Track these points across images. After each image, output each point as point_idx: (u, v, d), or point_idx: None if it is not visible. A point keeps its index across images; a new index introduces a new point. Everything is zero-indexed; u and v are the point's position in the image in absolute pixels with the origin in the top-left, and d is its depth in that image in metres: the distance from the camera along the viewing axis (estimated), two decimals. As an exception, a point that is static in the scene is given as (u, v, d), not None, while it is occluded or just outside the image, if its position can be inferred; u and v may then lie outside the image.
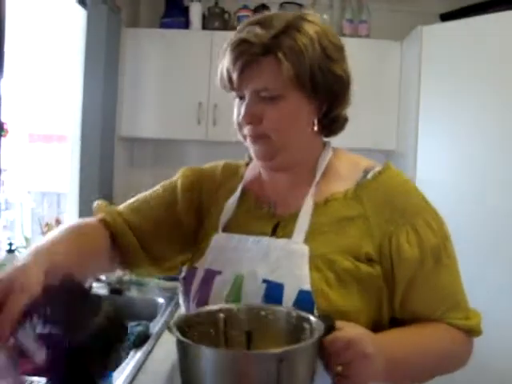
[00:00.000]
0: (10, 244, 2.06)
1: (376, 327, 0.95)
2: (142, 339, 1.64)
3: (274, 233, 1.03)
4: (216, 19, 3.40)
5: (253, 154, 1.05)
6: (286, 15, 1.00)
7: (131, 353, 1.55)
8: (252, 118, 0.98)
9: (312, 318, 0.85)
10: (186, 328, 0.83)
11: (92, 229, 1.08)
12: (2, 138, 2.17)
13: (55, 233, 0.99)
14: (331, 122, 1.05)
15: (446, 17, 3.11)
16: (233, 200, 1.11)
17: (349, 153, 1.12)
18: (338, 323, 0.84)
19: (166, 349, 1.64)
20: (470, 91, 2.75)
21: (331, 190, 1.03)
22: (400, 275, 0.97)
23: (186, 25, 3.37)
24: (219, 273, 1.03)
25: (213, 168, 1.21)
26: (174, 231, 1.15)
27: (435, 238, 0.98)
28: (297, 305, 0.92)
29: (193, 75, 3.26)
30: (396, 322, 1.01)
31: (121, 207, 1.16)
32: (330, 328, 0.82)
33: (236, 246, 1.05)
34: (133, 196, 1.21)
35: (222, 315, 0.90)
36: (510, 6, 2.68)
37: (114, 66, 3.16)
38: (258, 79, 0.97)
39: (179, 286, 1.11)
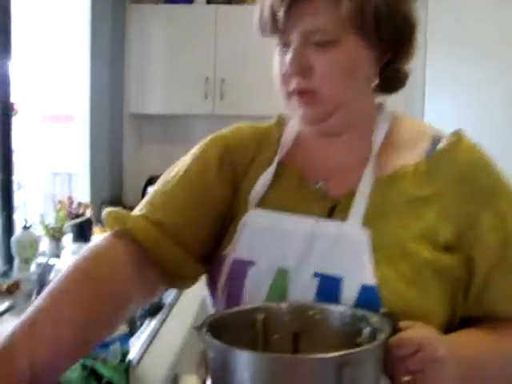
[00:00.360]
0: (26, 221, 2.11)
1: (448, 327, 0.80)
2: (155, 309, 1.70)
3: (329, 217, 0.83)
4: (220, -7, 3.39)
5: (298, 118, 0.85)
6: None
7: (146, 321, 1.61)
8: (301, 66, 0.79)
9: (372, 316, 0.71)
10: (219, 330, 0.69)
11: (106, 261, 0.81)
12: (13, 118, 2.21)
13: (56, 291, 0.74)
14: (393, 77, 0.86)
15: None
16: (268, 175, 0.88)
17: (410, 117, 0.93)
18: (402, 323, 0.70)
19: (179, 318, 1.71)
20: (478, 56, 2.76)
21: (396, 164, 0.84)
22: (479, 264, 0.81)
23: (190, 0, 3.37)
24: (252, 263, 0.82)
25: (239, 133, 0.96)
26: (217, 219, 0.91)
27: None
28: (359, 304, 0.75)
29: (199, 50, 3.29)
30: (466, 322, 0.84)
31: (143, 209, 0.86)
32: (393, 329, 0.68)
33: (273, 226, 0.84)
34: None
35: (260, 316, 0.74)
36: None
37: (119, 43, 3.20)
38: (310, 18, 0.77)
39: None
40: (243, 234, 0.85)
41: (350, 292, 0.75)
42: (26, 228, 2.10)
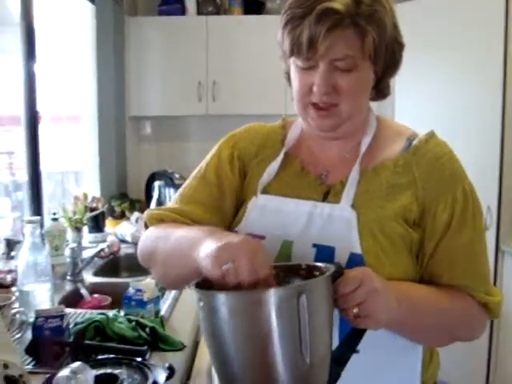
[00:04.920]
0: (54, 214, 2.42)
1: None
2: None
3: (324, 200, 1.01)
4: (209, 4, 3.71)
5: (313, 125, 1.01)
6: None
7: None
8: (329, 87, 0.94)
9: (321, 264, 0.85)
10: (209, 284, 0.80)
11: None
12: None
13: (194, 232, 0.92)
14: (384, 88, 1.05)
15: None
16: (275, 164, 1.07)
17: (390, 120, 1.12)
18: (347, 270, 0.84)
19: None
20: (434, 61, 3.14)
21: (379, 158, 1.01)
22: (430, 238, 0.98)
23: (182, 11, 3.69)
24: (262, 237, 0.99)
25: (247, 132, 1.15)
26: (232, 202, 1.10)
27: (467, 208, 0.98)
28: (349, 267, 0.88)
29: (191, 57, 3.62)
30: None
31: (174, 203, 1.11)
32: (340, 273, 0.82)
33: (279, 208, 1.02)
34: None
35: None
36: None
37: (120, 53, 3.51)
38: (342, 49, 0.92)
39: None
40: (253, 214, 1.03)
41: (341, 258, 0.92)
42: (54, 220, 2.41)
